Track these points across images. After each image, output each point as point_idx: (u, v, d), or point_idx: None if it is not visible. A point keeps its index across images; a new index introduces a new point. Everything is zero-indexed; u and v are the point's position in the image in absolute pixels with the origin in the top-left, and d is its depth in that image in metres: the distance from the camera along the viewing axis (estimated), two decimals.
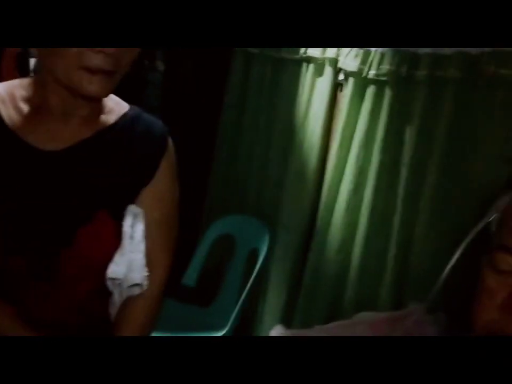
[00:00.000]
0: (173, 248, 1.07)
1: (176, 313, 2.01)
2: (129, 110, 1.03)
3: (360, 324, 1.57)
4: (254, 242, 2.10)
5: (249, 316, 2.04)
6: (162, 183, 1.02)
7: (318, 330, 1.59)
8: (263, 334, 1.95)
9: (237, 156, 2.22)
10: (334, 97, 1.92)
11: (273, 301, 1.96)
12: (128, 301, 1.03)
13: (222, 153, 2.27)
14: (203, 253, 2.16)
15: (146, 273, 1.00)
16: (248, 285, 2.00)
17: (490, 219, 0.71)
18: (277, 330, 1.56)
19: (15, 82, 0.99)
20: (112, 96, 1.02)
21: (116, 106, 1.02)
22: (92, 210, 0.96)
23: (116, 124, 1.00)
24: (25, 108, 0.97)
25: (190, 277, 2.06)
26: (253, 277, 2.01)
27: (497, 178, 1.42)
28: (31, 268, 0.96)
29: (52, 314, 1.00)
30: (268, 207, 2.09)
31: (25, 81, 0.98)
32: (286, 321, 1.78)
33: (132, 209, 0.99)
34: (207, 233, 2.17)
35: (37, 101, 0.96)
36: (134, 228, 0.99)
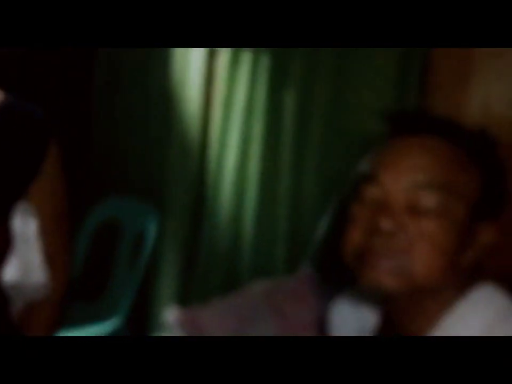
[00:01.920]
0: (68, 245, 1.04)
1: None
2: (7, 99, 0.95)
3: (255, 292, 1.59)
4: (141, 225, 2.03)
5: (144, 300, 1.98)
6: (50, 176, 0.98)
7: (214, 306, 1.59)
8: (159, 317, 1.91)
9: (116, 136, 2.12)
10: (210, 65, 1.88)
11: (168, 281, 1.92)
12: (31, 307, 0.99)
13: (98, 135, 2.16)
14: (85, 241, 2.04)
15: (47, 272, 0.96)
16: (138, 270, 1.94)
17: (364, 168, 0.81)
18: (172, 312, 1.54)
19: None
20: None
21: None
22: None
23: None
24: None
25: (74, 268, 1.94)
26: (142, 261, 1.94)
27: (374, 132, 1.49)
28: None
29: None
30: (153, 185, 2.03)
31: None
32: (183, 301, 1.74)
33: (22, 207, 0.95)
34: (88, 219, 2.05)
35: None
36: (26, 227, 0.95)
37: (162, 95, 1.94)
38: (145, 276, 1.94)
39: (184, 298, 1.85)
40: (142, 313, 1.97)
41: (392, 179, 0.77)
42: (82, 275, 1.91)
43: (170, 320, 1.46)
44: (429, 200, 0.75)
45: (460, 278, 0.80)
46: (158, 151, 1.97)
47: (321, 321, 1.38)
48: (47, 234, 0.98)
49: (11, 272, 0.94)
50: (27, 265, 0.95)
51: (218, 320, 1.41)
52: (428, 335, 0.79)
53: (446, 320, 0.78)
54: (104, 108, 2.14)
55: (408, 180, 0.76)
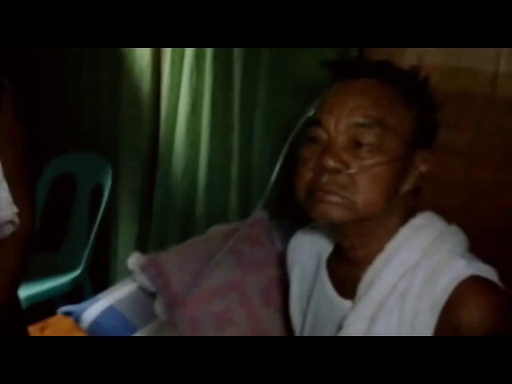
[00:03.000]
0: (32, 184, 1.06)
1: None
2: None
3: (213, 237, 1.67)
4: (96, 179, 2.04)
5: (103, 251, 2.01)
6: (6, 121, 0.99)
7: (175, 250, 1.66)
8: (119, 267, 1.95)
9: (65, 89, 2.08)
10: None
11: (126, 232, 1.95)
12: (0, 244, 0.99)
13: (46, 91, 2.11)
14: (42, 195, 2.04)
15: (16, 210, 0.97)
16: (96, 222, 1.96)
17: (311, 113, 0.88)
18: (134, 258, 1.59)
19: None
20: None
21: None
22: None
23: None
24: None
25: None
26: (100, 214, 1.96)
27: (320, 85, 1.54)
28: None
29: None
30: (106, 140, 2.02)
31: None
32: (141, 250, 1.78)
33: None
34: (44, 173, 2.04)
35: None
36: None
37: (113, 53, 1.92)
38: (104, 227, 1.96)
39: (142, 247, 1.89)
40: (102, 263, 2.00)
41: (333, 120, 0.83)
42: (40, 228, 1.91)
43: (134, 266, 1.51)
44: (367, 137, 0.81)
45: (401, 206, 0.87)
46: (110, 103, 1.96)
47: (278, 258, 1.48)
48: (8, 176, 0.98)
49: None
50: None
51: (180, 262, 1.47)
52: (376, 258, 0.86)
53: (389, 245, 0.86)
54: (50, 61, 2.09)
55: (347, 120, 0.82)
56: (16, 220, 0.98)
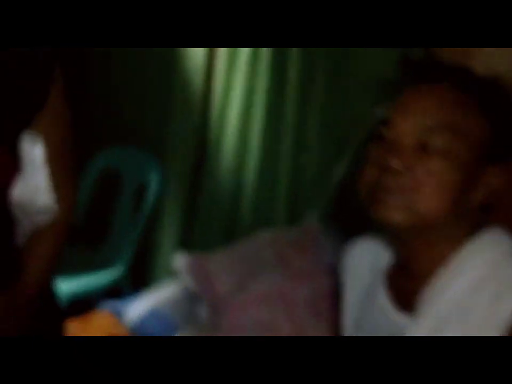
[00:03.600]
0: (75, 173, 1.07)
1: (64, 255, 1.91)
2: None
3: (260, 242, 1.63)
4: (143, 176, 2.04)
5: (144, 249, 2.00)
6: (56, 107, 1.00)
7: (221, 253, 1.63)
8: (161, 267, 1.94)
9: (116, 85, 2.09)
10: None
11: (170, 231, 1.94)
12: (37, 231, 1.01)
13: (94, 85, 2.12)
14: (87, 189, 2.04)
15: (54, 197, 0.98)
16: (141, 220, 1.95)
17: (380, 114, 0.86)
18: (180, 258, 1.58)
19: None
20: None
21: None
22: None
23: None
24: None
25: (76, 215, 1.95)
26: (144, 212, 1.96)
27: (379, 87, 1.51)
28: None
29: None
30: (155, 136, 2.02)
31: None
32: (184, 250, 1.76)
33: (28, 135, 0.97)
34: (89, 167, 2.05)
35: None
36: (33, 153, 0.97)
37: (166, 51, 1.91)
38: (148, 226, 1.95)
39: (186, 248, 1.88)
40: (144, 263, 1.99)
41: (403, 121, 0.82)
42: (84, 222, 1.92)
43: (179, 265, 1.49)
44: (436, 141, 0.80)
45: (469, 219, 0.84)
46: (160, 101, 1.96)
47: (331, 268, 1.44)
48: (53, 162, 1.00)
49: (19, 194, 0.97)
50: (34, 189, 0.98)
51: (225, 266, 1.46)
52: (437, 273, 0.83)
53: (454, 259, 0.83)
54: (100, 56, 2.09)
55: (417, 122, 0.81)
56: (55, 208, 0.99)
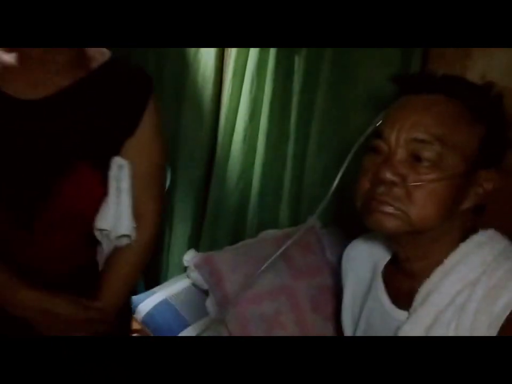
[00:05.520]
0: (161, 199, 1.05)
1: None
2: (112, 57, 0.98)
3: (265, 241, 1.71)
4: None
5: (158, 249, 2.06)
6: (147, 133, 0.99)
7: (229, 251, 1.70)
8: (172, 264, 2.00)
9: None
10: None
11: (180, 231, 2.00)
12: (116, 251, 1.01)
13: None
14: None
15: (134, 225, 0.98)
16: None
17: (376, 124, 0.87)
18: (189, 255, 1.65)
19: None
20: None
21: (97, 54, 0.97)
22: (71, 160, 0.92)
23: (97, 71, 0.95)
24: (4, 56, 0.91)
25: None
26: None
27: (380, 98, 1.56)
28: (13, 218, 0.92)
29: (35, 262, 0.97)
30: (165, 143, 2.07)
31: None
32: (195, 249, 1.83)
33: (117, 160, 0.96)
34: None
35: (17, 50, 0.91)
36: (120, 180, 0.96)
37: (177, 56, 1.97)
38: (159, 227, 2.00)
39: (194, 247, 1.94)
40: (156, 262, 2.04)
41: (394, 134, 0.83)
42: None
43: (188, 263, 1.56)
44: (426, 153, 0.81)
45: (462, 221, 0.86)
46: (171, 108, 2.00)
47: (331, 266, 1.50)
48: (138, 189, 0.98)
49: (103, 219, 0.96)
50: (118, 215, 0.96)
51: (233, 263, 1.51)
52: (434, 271, 0.85)
53: (450, 258, 0.84)
54: None
55: (407, 135, 0.82)
56: (133, 234, 0.98)
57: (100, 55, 0.99)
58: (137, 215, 1.00)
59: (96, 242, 1.02)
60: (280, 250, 1.18)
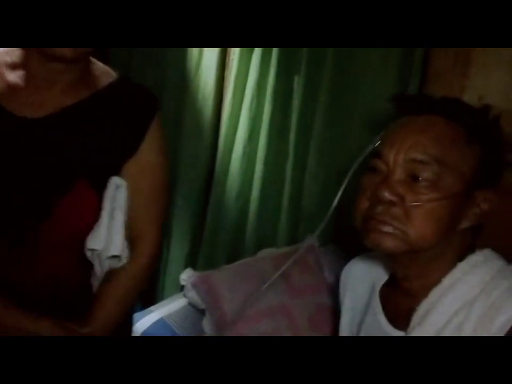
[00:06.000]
0: (161, 221, 1.03)
1: None
2: (117, 78, 0.98)
3: (263, 260, 1.71)
4: None
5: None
6: (149, 153, 0.98)
7: (227, 270, 1.70)
8: (168, 283, 1.99)
9: None
10: (224, 50, 1.94)
11: (177, 249, 1.99)
12: (111, 274, 0.99)
13: None
14: None
15: (127, 246, 0.96)
16: None
17: (375, 144, 0.88)
18: (186, 274, 1.64)
19: (2, 50, 0.92)
20: (99, 64, 0.97)
21: (102, 75, 0.97)
22: (72, 180, 0.92)
23: (102, 91, 0.95)
24: (9, 74, 0.91)
25: None
26: None
27: (377, 118, 1.58)
28: (9, 237, 0.91)
29: (28, 282, 0.96)
30: None
31: (12, 48, 0.92)
32: (191, 268, 1.82)
33: (114, 180, 0.95)
34: None
35: (20, 67, 0.91)
36: (115, 200, 0.95)
37: (178, 74, 1.98)
38: None
39: (192, 265, 1.93)
40: (153, 280, 2.02)
41: (393, 154, 0.84)
42: None
43: (186, 282, 1.55)
44: (424, 173, 0.82)
45: (459, 242, 0.86)
46: (171, 125, 2.00)
47: (325, 286, 1.50)
48: (137, 210, 0.96)
49: (94, 239, 0.94)
50: (110, 236, 0.94)
51: (231, 282, 1.50)
52: (432, 291, 0.85)
53: (448, 277, 0.85)
54: None
55: (405, 155, 0.83)
56: (124, 255, 0.96)
57: (106, 75, 0.99)
58: (135, 237, 0.98)
59: (90, 264, 1.00)
60: (281, 271, 1.17)
